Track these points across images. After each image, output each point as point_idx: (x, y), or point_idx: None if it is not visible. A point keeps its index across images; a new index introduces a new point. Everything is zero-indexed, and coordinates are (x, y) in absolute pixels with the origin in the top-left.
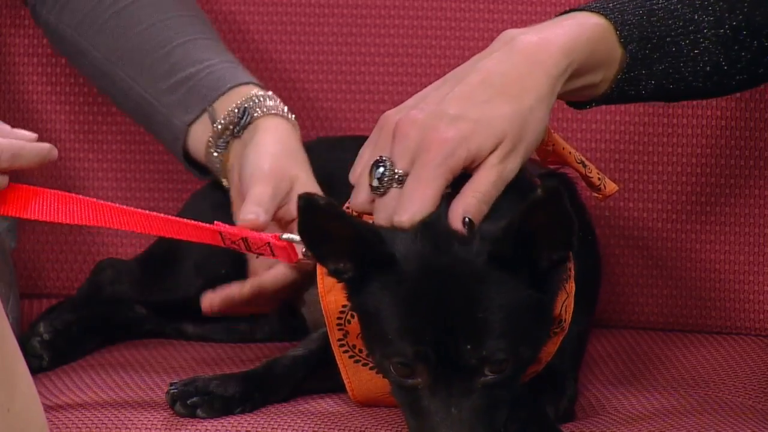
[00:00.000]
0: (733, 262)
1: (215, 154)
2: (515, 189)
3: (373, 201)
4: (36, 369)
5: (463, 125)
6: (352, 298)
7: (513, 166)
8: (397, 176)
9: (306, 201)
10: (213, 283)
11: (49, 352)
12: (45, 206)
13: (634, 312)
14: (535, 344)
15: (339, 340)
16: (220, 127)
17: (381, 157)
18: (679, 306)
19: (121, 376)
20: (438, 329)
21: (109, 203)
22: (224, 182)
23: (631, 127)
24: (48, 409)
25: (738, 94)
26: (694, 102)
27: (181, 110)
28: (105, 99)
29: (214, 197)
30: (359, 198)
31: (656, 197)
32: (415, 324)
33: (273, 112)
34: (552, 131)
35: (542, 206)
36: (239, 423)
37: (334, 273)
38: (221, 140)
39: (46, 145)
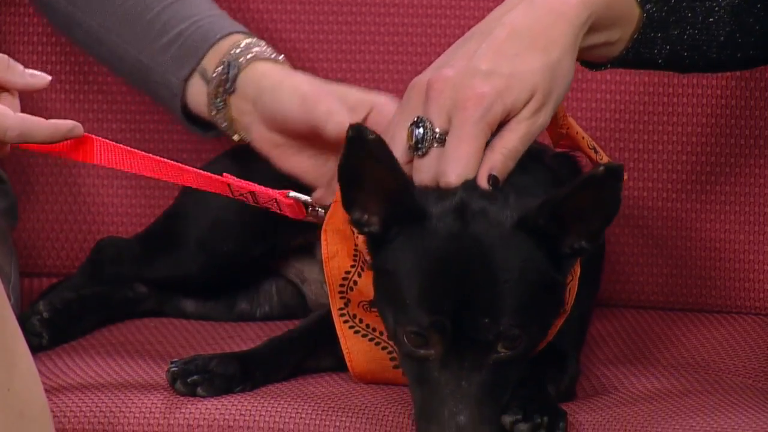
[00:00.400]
0: (733, 241)
1: (216, 114)
2: (533, 166)
3: (408, 162)
4: (35, 347)
5: (496, 80)
6: (373, 254)
7: (543, 120)
8: (437, 135)
9: (357, 131)
10: (216, 260)
11: (49, 331)
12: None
13: (634, 291)
14: (546, 324)
15: (340, 309)
16: (212, 87)
17: (419, 117)
18: (679, 285)
19: (122, 356)
20: (457, 300)
21: (122, 146)
22: (235, 137)
23: (631, 105)
24: (48, 390)
25: (738, 73)
26: (695, 80)
27: (176, 67)
28: (99, 77)
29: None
30: (399, 159)
31: (656, 176)
32: (434, 292)
33: (260, 57)
34: (567, 114)
35: (599, 183)
36: (240, 404)
37: (356, 223)
38: (218, 100)
39: (66, 124)
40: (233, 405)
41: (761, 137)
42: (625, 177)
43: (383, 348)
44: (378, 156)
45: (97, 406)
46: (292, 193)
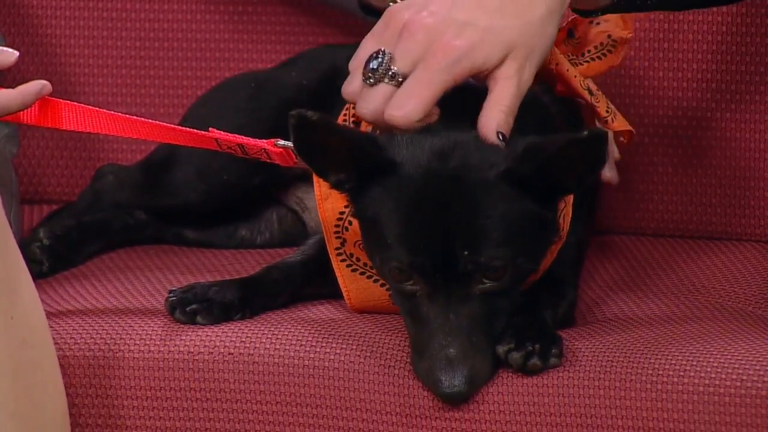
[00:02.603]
0: (734, 168)
1: None
2: (531, 109)
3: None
4: (36, 274)
5: (471, 34)
6: (354, 204)
7: (528, 76)
8: (391, 72)
9: (298, 118)
10: (215, 189)
11: (49, 258)
12: (37, 112)
13: (633, 218)
14: (535, 257)
15: (336, 248)
16: None
17: (381, 49)
18: (679, 212)
19: (122, 282)
20: (437, 235)
21: (106, 110)
22: None
23: (634, 40)
24: (48, 316)
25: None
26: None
27: None
28: (108, 5)
29: (213, 104)
30: (351, 86)
31: (657, 103)
32: (414, 229)
33: None
34: (557, 50)
35: (581, 146)
36: (240, 331)
37: (335, 185)
38: None
39: (35, 86)
40: (233, 332)
41: (762, 63)
42: (632, 130)
43: (382, 285)
44: (329, 131)
45: (97, 333)
46: (281, 142)
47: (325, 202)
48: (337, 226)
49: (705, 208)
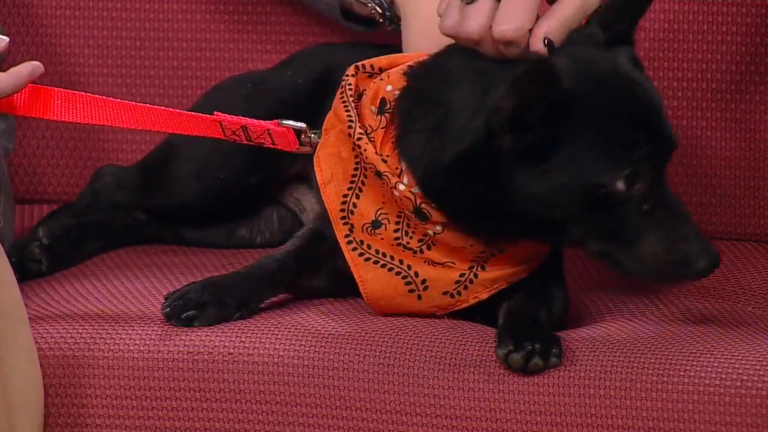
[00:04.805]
0: (735, 168)
1: None
2: None
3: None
4: (35, 273)
5: None
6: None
7: None
8: None
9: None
10: (212, 189)
11: (48, 257)
12: (46, 104)
13: None
14: None
15: (346, 236)
16: None
17: None
18: None
19: (121, 282)
20: (658, 117)
21: (109, 98)
22: (389, 28)
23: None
24: (46, 318)
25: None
26: (705, 7)
27: None
28: (108, 5)
29: (210, 105)
30: (449, 19)
31: None
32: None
33: None
34: None
35: None
36: (239, 330)
37: None
38: None
39: (26, 68)
40: (233, 332)
41: (762, 63)
42: None
43: (397, 273)
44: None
45: (96, 332)
46: (285, 121)
47: (327, 187)
48: (342, 210)
49: (705, 208)
